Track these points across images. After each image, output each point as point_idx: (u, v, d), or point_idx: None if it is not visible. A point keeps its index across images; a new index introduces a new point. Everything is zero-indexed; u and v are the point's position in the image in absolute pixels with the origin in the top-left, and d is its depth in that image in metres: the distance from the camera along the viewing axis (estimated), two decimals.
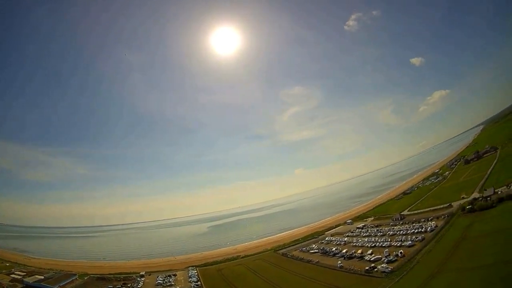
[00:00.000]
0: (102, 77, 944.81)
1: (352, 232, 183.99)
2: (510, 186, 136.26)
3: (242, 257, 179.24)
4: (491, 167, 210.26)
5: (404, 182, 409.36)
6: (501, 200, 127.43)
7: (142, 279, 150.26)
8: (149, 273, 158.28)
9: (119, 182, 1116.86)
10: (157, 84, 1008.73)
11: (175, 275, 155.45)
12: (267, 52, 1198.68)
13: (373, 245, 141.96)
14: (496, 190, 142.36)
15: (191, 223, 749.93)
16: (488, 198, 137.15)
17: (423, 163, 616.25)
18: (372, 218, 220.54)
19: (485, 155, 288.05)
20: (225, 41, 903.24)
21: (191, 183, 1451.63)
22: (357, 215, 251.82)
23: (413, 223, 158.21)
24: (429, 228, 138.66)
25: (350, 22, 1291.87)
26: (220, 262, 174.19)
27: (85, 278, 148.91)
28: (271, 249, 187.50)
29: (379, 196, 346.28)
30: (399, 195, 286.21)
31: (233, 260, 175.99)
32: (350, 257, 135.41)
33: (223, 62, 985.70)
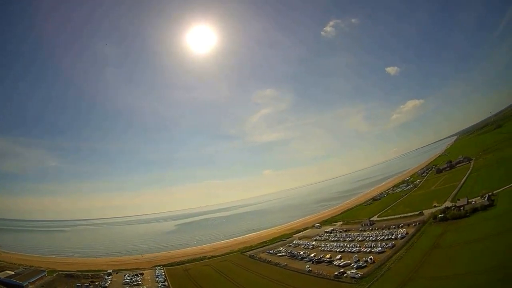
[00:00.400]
0: (77, 68, 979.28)
1: (320, 236, 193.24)
2: (484, 197, 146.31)
3: (209, 258, 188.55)
4: (465, 178, 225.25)
5: (373, 188, 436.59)
6: (475, 210, 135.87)
7: (110, 277, 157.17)
8: (117, 272, 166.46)
9: (89, 177, 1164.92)
10: (132, 78, 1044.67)
11: (142, 274, 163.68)
12: (242, 53, 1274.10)
13: (342, 250, 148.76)
14: (470, 200, 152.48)
15: (160, 221, 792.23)
16: (462, 208, 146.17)
17: (393, 170, 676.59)
18: (341, 222, 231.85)
19: (458, 165, 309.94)
20: (201, 39, 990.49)
21: (162, 180, 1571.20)
22: (326, 219, 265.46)
23: (383, 229, 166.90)
24: (400, 235, 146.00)
25: (328, 28, 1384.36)
26: (187, 262, 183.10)
27: (54, 274, 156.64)
28: (238, 251, 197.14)
29: (347, 201, 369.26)
30: (368, 200, 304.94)
31: (200, 261, 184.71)
32: (319, 262, 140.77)
33: (198, 60, 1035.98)
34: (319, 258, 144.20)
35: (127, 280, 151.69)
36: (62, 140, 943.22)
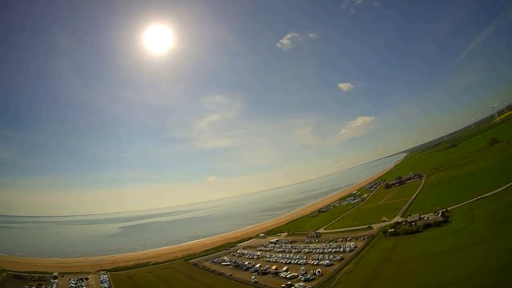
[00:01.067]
0: (28, 57, 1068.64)
1: (265, 247, 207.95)
2: (438, 213, 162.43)
3: (153, 264, 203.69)
4: (416, 194, 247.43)
5: (319, 199, 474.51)
6: (428, 226, 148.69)
7: (56, 280, 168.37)
8: (62, 275, 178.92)
9: (34, 172, 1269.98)
10: (83, 71, 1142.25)
11: (87, 279, 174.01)
12: (195, 57, 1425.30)
13: (288, 261, 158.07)
14: (422, 216, 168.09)
15: (104, 222, 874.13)
16: (413, 224, 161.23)
17: (340, 182, 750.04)
18: (286, 233, 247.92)
19: (408, 182, 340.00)
20: (156, 40, 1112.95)
21: (108, 180, 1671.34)
22: (270, 229, 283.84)
23: (330, 242, 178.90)
24: (348, 248, 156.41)
25: (284, 41, 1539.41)
26: (131, 267, 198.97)
27: (3, 274, 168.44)
28: (181, 258, 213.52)
29: (292, 212, 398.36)
30: (314, 212, 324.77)
31: (144, 267, 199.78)
32: (265, 273, 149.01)
33: (151, 61, 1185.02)
34: (265, 269, 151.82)
35: (72, 285, 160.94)
36: (10, 131, 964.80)
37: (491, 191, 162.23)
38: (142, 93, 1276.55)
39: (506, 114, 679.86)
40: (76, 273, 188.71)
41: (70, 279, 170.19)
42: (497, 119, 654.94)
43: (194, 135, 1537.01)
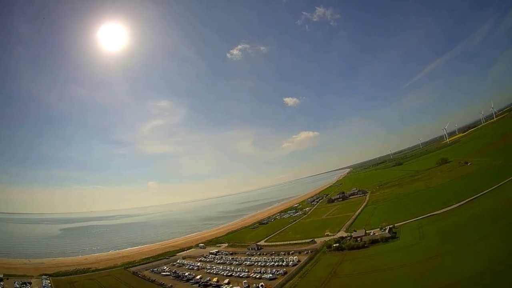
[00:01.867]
0: None
1: (205, 257, 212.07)
2: (385, 229, 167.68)
3: (93, 271, 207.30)
4: (360, 209, 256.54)
5: (259, 211, 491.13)
6: (374, 241, 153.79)
7: (1, 283, 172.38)
8: (7, 277, 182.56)
9: None
10: (34, 65, 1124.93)
11: (30, 283, 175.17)
12: (144, 59, 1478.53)
13: (230, 274, 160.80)
14: (368, 232, 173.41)
15: (45, 222, 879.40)
16: (359, 239, 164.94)
17: (282, 195, 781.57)
18: (226, 244, 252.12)
19: (351, 197, 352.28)
20: (110, 39, 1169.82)
21: (50, 177, 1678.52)
22: (210, 238, 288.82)
23: (272, 255, 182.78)
24: (291, 262, 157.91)
25: (234, 51, 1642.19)
26: (72, 273, 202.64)
27: None
28: (121, 265, 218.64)
29: (232, 222, 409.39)
30: (254, 224, 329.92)
31: (84, 273, 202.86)
32: (206, 285, 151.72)
33: (103, 60, 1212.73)
34: (206, 281, 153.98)
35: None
36: None
37: (441, 209, 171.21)
38: (91, 91, 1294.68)
39: (457, 136, 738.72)
40: (20, 276, 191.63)
41: (14, 282, 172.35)
42: (447, 140, 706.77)
43: (138, 139, 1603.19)
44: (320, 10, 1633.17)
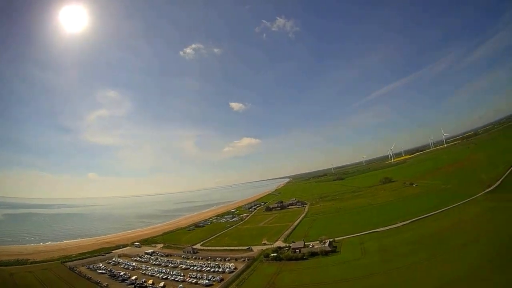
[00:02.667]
0: None
1: (141, 257, 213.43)
2: (325, 243, 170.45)
3: (32, 262, 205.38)
4: (298, 220, 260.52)
5: (196, 213, 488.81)
6: (314, 254, 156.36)
7: None
8: None
9: None
10: None
11: None
12: (96, 47, 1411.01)
13: (165, 277, 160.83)
14: (306, 244, 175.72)
15: None
16: (297, 250, 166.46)
17: (220, 198, 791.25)
18: (162, 245, 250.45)
19: (290, 207, 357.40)
20: (65, 20, 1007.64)
21: None
22: (145, 237, 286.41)
23: (208, 260, 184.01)
24: (228, 269, 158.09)
25: (188, 50, 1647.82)
26: (12, 263, 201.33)
27: None
28: (58, 259, 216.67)
29: (169, 222, 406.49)
30: (191, 226, 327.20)
31: (23, 264, 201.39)
32: (141, 287, 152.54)
33: (55, 39, 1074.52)
34: (142, 283, 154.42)
35: None
36: None
37: (384, 226, 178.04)
38: (41, 71, 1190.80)
39: (403, 157, 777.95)
40: None
41: None
42: (392, 161, 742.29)
43: (83, 127, 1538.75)
44: (280, 21, 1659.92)
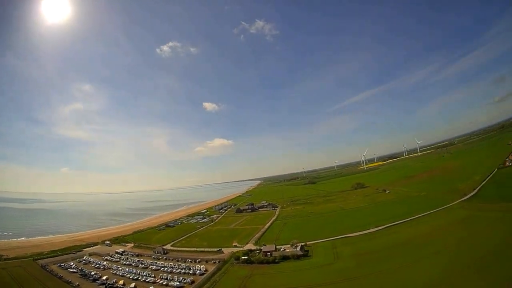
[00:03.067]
0: None
1: (111, 256, 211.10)
2: (296, 247, 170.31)
3: (5, 259, 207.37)
4: (269, 223, 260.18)
5: (166, 212, 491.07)
6: (285, 258, 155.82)
7: None
8: None
9: None
10: None
11: None
12: (76, 40, 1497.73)
13: (136, 277, 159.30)
14: (278, 247, 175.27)
15: None
16: (269, 254, 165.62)
17: (190, 198, 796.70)
18: (132, 244, 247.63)
19: (260, 209, 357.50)
20: (49, 10, 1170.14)
21: None
22: (116, 236, 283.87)
23: (178, 261, 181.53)
24: (198, 271, 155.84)
25: (165, 48, 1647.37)
26: None
27: None
28: (30, 256, 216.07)
29: (139, 221, 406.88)
30: (161, 225, 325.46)
31: None
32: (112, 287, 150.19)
33: (37, 28, 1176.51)
34: (112, 284, 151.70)
35: None
36: None
37: (357, 232, 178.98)
38: (19, 60, 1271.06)
39: (376, 163, 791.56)
40: None
41: None
42: (364, 167, 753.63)
43: (57, 120, 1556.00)
44: (259, 23, 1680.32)
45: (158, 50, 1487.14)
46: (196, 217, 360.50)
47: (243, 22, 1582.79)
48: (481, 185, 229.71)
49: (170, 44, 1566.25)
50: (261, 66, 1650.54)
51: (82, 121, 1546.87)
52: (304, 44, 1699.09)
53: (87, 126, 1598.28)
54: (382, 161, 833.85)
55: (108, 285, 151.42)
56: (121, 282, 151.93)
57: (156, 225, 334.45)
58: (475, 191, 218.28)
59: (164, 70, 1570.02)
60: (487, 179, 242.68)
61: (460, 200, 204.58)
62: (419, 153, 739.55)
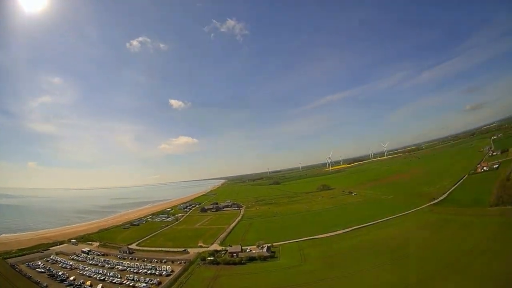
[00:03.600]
0: None
1: (78, 256, 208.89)
2: (262, 247, 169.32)
3: None
4: (235, 223, 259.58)
5: (131, 210, 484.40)
6: (252, 259, 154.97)
7: None
8: None
9: None
10: None
11: None
12: (46, 30, 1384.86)
13: (103, 278, 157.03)
14: (244, 248, 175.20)
15: None
16: (235, 255, 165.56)
17: (154, 196, 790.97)
18: (98, 243, 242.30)
19: (225, 209, 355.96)
20: None
21: None
22: (82, 234, 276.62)
23: (144, 261, 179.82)
24: (165, 272, 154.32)
25: (134, 42, 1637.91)
26: None
27: None
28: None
29: (104, 218, 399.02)
30: (126, 224, 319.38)
31: None
32: None
33: (7, 17, 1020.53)
34: (80, 284, 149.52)
35: None
36: None
37: (324, 233, 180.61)
38: None
39: (342, 166, 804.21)
40: None
41: None
42: (330, 169, 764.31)
43: (24, 113, 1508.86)
44: (230, 22, 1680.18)
45: (128, 44, 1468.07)
46: (160, 215, 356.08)
47: (214, 21, 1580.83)
48: (451, 190, 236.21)
49: (140, 39, 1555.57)
50: (229, 66, 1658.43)
51: (50, 114, 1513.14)
52: (273, 45, 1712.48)
53: (55, 120, 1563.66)
54: (348, 164, 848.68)
55: (75, 286, 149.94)
56: (88, 283, 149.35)
57: (121, 223, 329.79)
58: (445, 195, 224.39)
59: (132, 65, 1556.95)
60: (457, 184, 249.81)
61: (429, 204, 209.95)
62: (385, 157, 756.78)
